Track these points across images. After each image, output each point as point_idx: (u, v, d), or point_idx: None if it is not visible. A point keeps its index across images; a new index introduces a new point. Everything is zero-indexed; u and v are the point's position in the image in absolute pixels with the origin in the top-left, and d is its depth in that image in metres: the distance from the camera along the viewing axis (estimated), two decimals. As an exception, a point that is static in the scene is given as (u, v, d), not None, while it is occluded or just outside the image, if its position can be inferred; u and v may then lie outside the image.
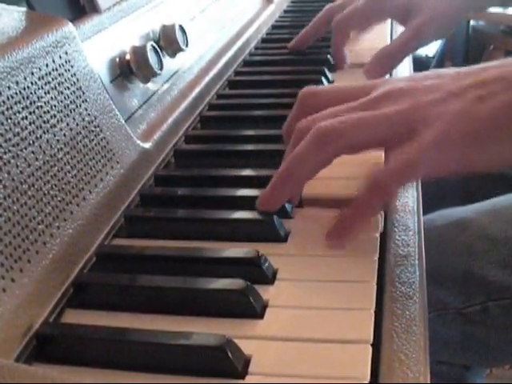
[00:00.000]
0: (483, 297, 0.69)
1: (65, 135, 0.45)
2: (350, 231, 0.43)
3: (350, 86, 0.50)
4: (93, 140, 0.48)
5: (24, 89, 0.42)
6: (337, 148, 0.44)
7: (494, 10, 2.13)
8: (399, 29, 0.85)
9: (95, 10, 0.57)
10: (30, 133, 0.41)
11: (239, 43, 0.87)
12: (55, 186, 0.42)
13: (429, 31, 0.74)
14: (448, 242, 0.71)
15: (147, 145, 0.55)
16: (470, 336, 0.71)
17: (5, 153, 0.39)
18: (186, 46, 0.68)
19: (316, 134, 0.44)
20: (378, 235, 0.44)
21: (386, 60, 0.73)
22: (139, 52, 0.58)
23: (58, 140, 0.44)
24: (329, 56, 0.82)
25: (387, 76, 0.75)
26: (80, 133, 0.47)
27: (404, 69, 0.82)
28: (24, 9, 0.50)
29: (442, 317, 0.70)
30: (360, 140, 0.44)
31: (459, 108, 0.41)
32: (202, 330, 0.36)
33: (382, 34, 0.96)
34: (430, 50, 2.66)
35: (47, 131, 0.43)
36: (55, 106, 0.45)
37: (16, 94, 0.41)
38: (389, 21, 0.97)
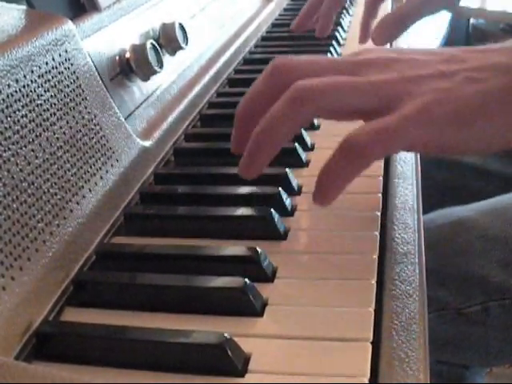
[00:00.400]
0: (483, 297, 0.68)
1: (64, 133, 0.45)
2: (330, 199, 0.41)
3: (331, 58, 0.47)
4: (92, 138, 0.48)
5: (24, 87, 0.42)
6: (315, 109, 0.41)
7: (493, 8, 2.13)
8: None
9: (95, 8, 0.57)
10: (29, 131, 0.41)
11: (239, 41, 0.87)
12: (55, 184, 0.42)
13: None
14: (448, 241, 0.71)
15: (147, 143, 0.55)
16: (469, 336, 0.71)
17: (4, 151, 0.39)
18: (186, 44, 0.68)
19: (294, 91, 0.41)
20: (377, 233, 0.44)
21: (394, 25, 0.71)
22: (139, 50, 0.58)
23: (57, 138, 0.44)
24: (329, 54, 0.82)
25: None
26: (80, 131, 0.47)
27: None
28: (24, 7, 0.50)
29: (442, 316, 0.70)
30: (340, 104, 0.41)
31: (445, 87, 0.40)
32: (202, 328, 0.36)
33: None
34: (430, 47, 2.66)
35: (47, 129, 0.43)
36: (55, 104, 0.45)
37: (16, 91, 0.41)
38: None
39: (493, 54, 0.43)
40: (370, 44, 0.74)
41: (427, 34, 2.73)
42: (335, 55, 0.84)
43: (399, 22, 0.72)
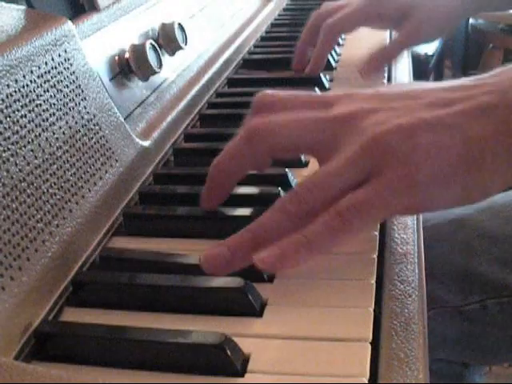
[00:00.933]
0: (482, 294, 0.68)
1: (64, 133, 0.45)
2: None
3: (310, 94, 0.46)
4: (92, 138, 0.48)
5: (23, 87, 0.42)
6: (266, 147, 0.43)
7: (493, 8, 2.13)
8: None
9: (94, 8, 0.57)
10: (29, 131, 0.41)
11: (238, 41, 0.87)
12: (54, 184, 0.42)
13: (427, 30, 0.75)
14: (446, 239, 0.71)
15: (146, 143, 0.55)
16: (468, 334, 0.71)
17: (4, 151, 0.39)
18: (185, 44, 0.68)
19: (247, 130, 0.43)
20: (377, 233, 0.44)
21: (382, 60, 0.74)
22: (138, 50, 0.58)
23: (57, 138, 0.44)
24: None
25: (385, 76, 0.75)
26: (79, 131, 0.47)
27: (404, 67, 0.82)
28: (23, 7, 0.50)
29: (441, 314, 0.70)
30: (288, 141, 0.42)
31: (428, 143, 0.37)
32: (201, 328, 0.36)
33: (382, 38, 0.96)
34: (430, 48, 2.66)
35: (46, 129, 0.43)
36: (54, 104, 0.45)
37: (15, 92, 0.41)
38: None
39: (481, 91, 0.39)
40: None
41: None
42: (335, 56, 0.84)
43: (388, 59, 0.75)
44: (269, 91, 0.46)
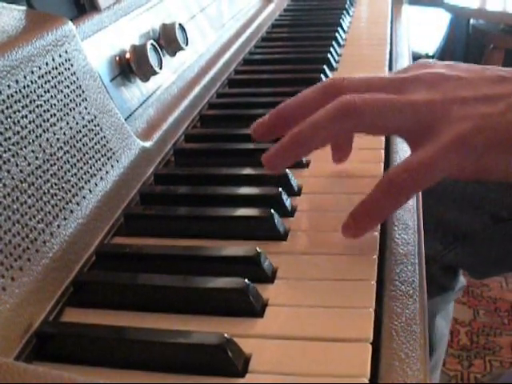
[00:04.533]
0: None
1: (64, 134, 0.45)
2: (363, 231, 0.43)
3: (381, 75, 0.47)
4: (93, 139, 0.48)
5: (24, 87, 0.42)
6: (355, 125, 0.43)
7: (493, 8, 2.13)
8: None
9: (95, 8, 0.57)
10: (29, 131, 0.41)
11: (239, 42, 0.87)
12: (55, 184, 0.42)
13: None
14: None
15: (147, 144, 0.55)
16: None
17: (5, 151, 0.39)
18: (186, 44, 0.68)
19: (338, 105, 0.42)
20: (377, 234, 0.44)
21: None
22: (139, 51, 0.58)
23: (57, 139, 0.44)
24: (329, 55, 0.82)
25: None
26: (80, 131, 0.47)
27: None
28: (24, 7, 0.50)
29: None
30: (380, 122, 0.43)
31: (487, 113, 0.40)
32: (202, 328, 0.36)
33: (383, 37, 0.96)
34: (430, 48, 2.66)
35: (47, 130, 0.43)
36: (55, 104, 0.45)
37: (16, 92, 0.41)
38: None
39: None
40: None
41: (427, 34, 2.73)
42: (335, 56, 0.84)
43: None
44: (337, 77, 0.46)
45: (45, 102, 0.44)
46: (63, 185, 0.43)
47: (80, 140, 0.46)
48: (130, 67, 0.58)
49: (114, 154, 0.50)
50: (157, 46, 0.61)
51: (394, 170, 0.41)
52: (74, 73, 0.48)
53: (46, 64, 0.45)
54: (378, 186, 0.42)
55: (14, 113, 0.40)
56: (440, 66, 0.46)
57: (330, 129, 0.43)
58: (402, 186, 0.41)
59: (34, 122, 0.42)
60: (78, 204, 0.44)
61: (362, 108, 0.42)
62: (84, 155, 0.46)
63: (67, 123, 0.45)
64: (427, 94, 0.42)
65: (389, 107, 0.42)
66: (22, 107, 0.41)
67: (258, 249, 0.41)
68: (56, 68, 0.46)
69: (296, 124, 0.44)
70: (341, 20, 0.99)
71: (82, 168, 0.45)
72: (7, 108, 0.40)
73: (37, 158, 0.41)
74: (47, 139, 0.43)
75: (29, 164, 0.41)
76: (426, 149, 0.40)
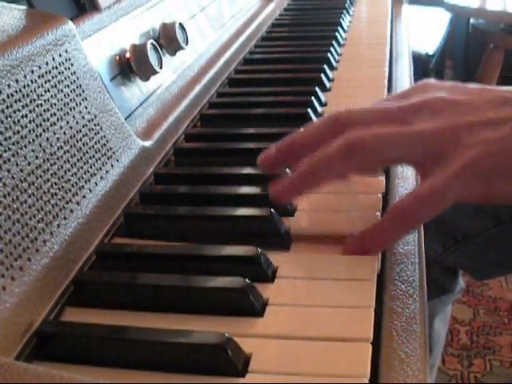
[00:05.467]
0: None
1: (65, 133, 0.45)
2: (367, 253, 0.42)
3: (382, 105, 0.47)
4: (93, 138, 0.48)
5: (24, 87, 0.42)
6: (365, 162, 0.43)
7: (493, 8, 2.13)
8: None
9: (95, 8, 0.57)
10: (29, 131, 0.41)
11: (239, 41, 0.87)
12: (55, 184, 0.42)
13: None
14: None
15: (147, 143, 0.55)
16: None
17: (5, 151, 0.39)
18: (186, 44, 0.68)
19: (346, 143, 0.43)
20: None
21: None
22: (139, 50, 0.58)
23: (57, 138, 0.44)
24: (329, 54, 0.82)
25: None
26: (80, 131, 0.47)
27: (404, 67, 0.82)
28: (24, 7, 0.50)
29: None
30: (390, 157, 0.43)
31: (493, 139, 0.40)
32: (202, 328, 0.36)
33: (383, 37, 0.96)
34: (430, 48, 2.66)
35: (47, 129, 0.43)
36: (55, 104, 0.45)
37: (16, 92, 0.41)
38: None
39: None
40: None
41: (427, 33, 2.73)
42: (336, 56, 0.84)
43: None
44: (341, 110, 0.46)
45: (45, 101, 0.44)
46: (63, 184, 0.43)
47: (80, 139, 0.46)
48: (130, 67, 0.58)
49: (114, 153, 0.50)
50: (157, 45, 0.61)
51: (406, 200, 0.41)
52: (74, 72, 0.48)
53: (46, 63, 0.45)
54: (389, 214, 0.42)
55: (14, 112, 0.40)
56: (441, 88, 0.47)
57: (340, 166, 0.43)
58: (414, 216, 0.41)
59: (34, 121, 0.42)
60: (77, 203, 0.44)
61: (371, 144, 0.42)
62: (84, 154, 0.46)
63: (67, 122, 0.45)
64: (433, 123, 0.43)
65: (397, 141, 0.42)
66: (22, 106, 0.41)
67: (258, 248, 0.41)
68: (56, 67, 0.46)
69: (303, 156, 0.45)
70: (341, 19, 0.99)
71: (82, 167, 0.45)
72: (7, 107, 0.40)
73: (37, 157, 0.41)
74: (47, 138, 0.43)
75: (29, 163, 0.41)
76: (436, 178, 0.41)
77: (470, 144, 0.41)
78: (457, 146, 0.41)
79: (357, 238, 0.43)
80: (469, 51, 2.61)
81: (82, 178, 0.45)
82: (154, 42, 0.60)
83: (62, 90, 0.46)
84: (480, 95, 0.45)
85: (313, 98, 0.66)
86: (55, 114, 0.44)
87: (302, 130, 0.48)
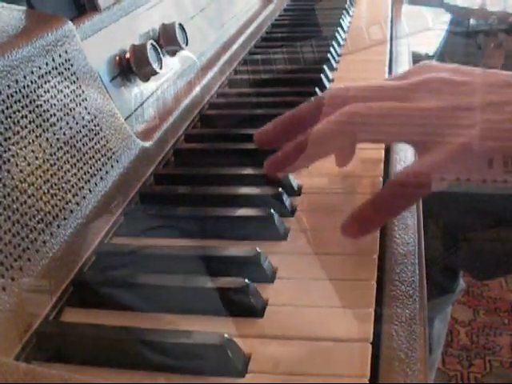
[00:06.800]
0: None
1: (64, 134, 0.45)
2: (367, 232, 0.42)
3: (381, 83, 0.47)
4: (92, 139, 0.48)
5: (24, 87, 0.42)
6: (363, 136, 0.43)
7: (493, 8, 2.13)
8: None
9: (95, 8, 0.57)
10: (29, 131, 0.41)
11: (239, 42, 0.87)
12: (55, 184, 0.42)
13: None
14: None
15: (147, 143, 0.55)
16: None
17: (4, 151, 0.39)
18: (186, 44, 0.68)
19: (345, 116, 0.42)
20: (377, 234, 0.44)
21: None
22: (139, 51, 0.58)
23: (57, 139, 0.44)
24: (329, 54, 0.82)
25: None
26: (80, 131, 0.47)
27: (404, 68, 0.82)
28: (24, 8, 0.50)
29: None
30: (389, 132, 0.43)
31: (494, 120, 0.40)
32: (202, 328, 0.36)
33: (384, 36, 0.96)
34: (430, 48, 2.66)
35: (47, 130, 0.43)
36: (55, 104, 0.45)
37: (16, 92, 0.41)
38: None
39: None
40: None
41: (427, 34, 2.73)
42: (335, 56, 0.84)
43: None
44: (340, 86, 0.46)
45: (45, 101, 0.44)
46: (63, 185, 0.43)
47: (80, 140, 0.46)
48: (130, 67, 0.58)
49: (113, 153, 0.50)
50: (157, 45, 0.61)
51: (403, 173, 0.41)
52: (74, 73, 0.48)
53: (46, 64, 0.45)
54: (386, 188, 0.42)
55: (14, 113, 0.40)
56: (442, 69, 0.46)
57: (337, 140, 0.43)
58: (412, 192, 0.41)
59: (33, 121, 0.42)
60: (77, 204, 0.44)
61: (369, 119, 0.42)
62: (84, 155, 0.46)
63: (67, 123, 0.45)
64: (434, 101, 0.42)
65: (397, 115, 0.42)
66: (22, 107, 0.41)
67: (258, 249, 0.41)
68: (56, 68, 0.46)
69: (300, 133, 0.44)
70: (341, 20, 0.99)
71: (81, 168, 0.45)
72: (7, 108, 0.40)
73: (37, 158, 0.41)
74: (47, 139, 0.43)
75: (29, 164, 0.41)
76: (434, 154, 0.40)
77: (471, 124, 0.40)
78: (457, 126, 0.41)
79: (353, 219, 0.42)
80: (469, 52, 2.61)
81: (82, 178, 0.45)
82: (154, 43, 0.60)
83: (61, 91, 0.46)
84: (481, 78, 0.44)
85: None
86: (55, 115, 0.44)
87: (300, 106, 0.47)
